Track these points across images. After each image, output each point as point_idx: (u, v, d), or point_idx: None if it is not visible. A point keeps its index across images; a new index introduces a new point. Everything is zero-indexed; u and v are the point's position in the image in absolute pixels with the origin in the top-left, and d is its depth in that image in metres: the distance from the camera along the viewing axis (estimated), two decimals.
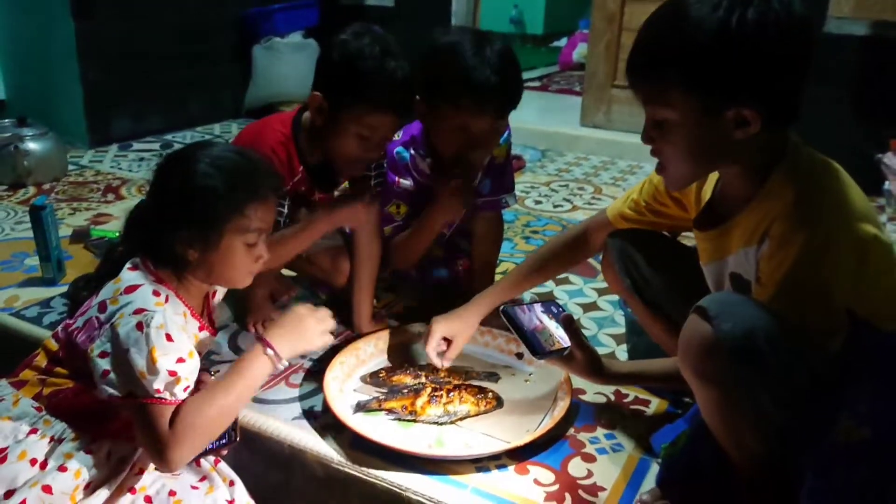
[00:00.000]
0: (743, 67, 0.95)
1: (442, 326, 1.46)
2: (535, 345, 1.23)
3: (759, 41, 0.94)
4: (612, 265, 1.38)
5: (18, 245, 2.05)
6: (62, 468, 1.06)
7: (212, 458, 1.22)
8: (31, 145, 2.57)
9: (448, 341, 1.47)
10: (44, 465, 1.06)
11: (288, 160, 1.46)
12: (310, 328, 1.17)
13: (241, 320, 1.65)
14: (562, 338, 1.24)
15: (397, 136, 1.66)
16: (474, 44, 1.43)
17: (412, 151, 1.62)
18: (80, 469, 1.07)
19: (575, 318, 1.71)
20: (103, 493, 1.09)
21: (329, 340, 1.20)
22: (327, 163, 1.50)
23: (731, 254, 1.10)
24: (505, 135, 1.64)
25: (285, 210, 1.46)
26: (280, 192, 1.23)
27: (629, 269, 1.35)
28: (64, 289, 1.81)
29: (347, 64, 1.37)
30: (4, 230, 2.19)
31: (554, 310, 1.32)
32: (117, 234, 2.12)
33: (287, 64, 3.58)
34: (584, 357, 1.22)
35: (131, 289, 1.09)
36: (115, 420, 1.13)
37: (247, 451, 1.33)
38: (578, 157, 3.29)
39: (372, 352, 1.53)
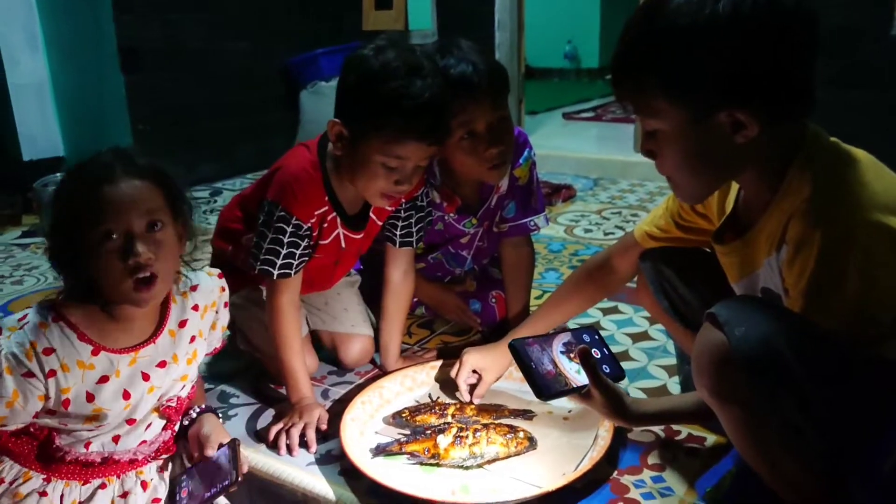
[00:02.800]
0: (722, 67, 0.84)
1: (473, 358, 1.39)
2: (541, 384, 1.10)
3: (736, 36, 0.83)
4: (647, 287, 1.24)
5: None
6: None
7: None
8: None
9: (479, 375, 1.38)
10: None
11: (313, 189, 1.32)
12: None
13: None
14: (579, 376, 1.11)
15: None
16: (441, 48, 1.35)
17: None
18: None
19: (622, 348, 1.60)
20: None
21: None
22: (356, 197, 1.36)
23: (760, 267, 0.95)
24: (526, 153, 1.53)
25: (299, 250, 1.32)
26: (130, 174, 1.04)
27: (666, 290, 1.22)
28: None
29: (367, 86, 1.21)
30: (48, 279, 2.20)
31: (586, 339, 1.19)
32: None
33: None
34: (602, 396, 1.09)
35: (22, 318, 1.03)
36: (66, 460, 1.07)
37: (260, 499, 1.24)
38: (633, 184, 3.14)
39: (398, 390, 1.42)
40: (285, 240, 1.30)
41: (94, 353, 1.06)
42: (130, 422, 1.11)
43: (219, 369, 1.58)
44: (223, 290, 1.25)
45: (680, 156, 0.92)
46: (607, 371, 1.14)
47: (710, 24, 0.83)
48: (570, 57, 6.86)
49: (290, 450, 1.26)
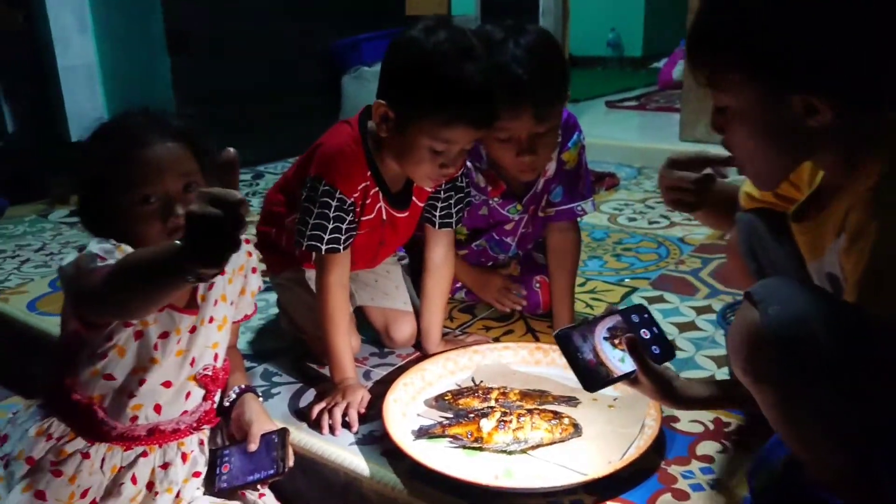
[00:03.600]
0: (803, 48, 0.81)
1: None
2: (587, 376, 1.06)
3: (821, 16, 0.79)
4: (738, 247, 1.18)
5: None
6: (57, 472, 1.03)
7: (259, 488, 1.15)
8: None
9: None
10: (32, 462, 1.04)
11: (356, 163, 1.31)
12: None
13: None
14: (622, 364, 1.07)
15: None
16: (497, 41, 1.29)
17: (468, 163, 1.49)
18: (75, 475, 1.04)
19: (672, 337, 1.56)
20: None
21: None
22: (399, 175, 1.35)
23: (825, 253, 0.92)
24: (574, 137, 1.50)
25: (345, 225, 1.31)
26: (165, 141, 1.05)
27: (756, 251, 1.16)
28: None
29: (417, 69, 1.19)
30: None
31: (635, 319, 1.15)
32: None
33: (375, 92, 3.58)
34: (651, 382, 1.05)
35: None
36: (112, 435, 1.09)
37: (301, 477, 1.24)
38: None
39: (440, 373, 1.41)
40: (331, 214, 1.30)
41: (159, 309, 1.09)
42: (166, 384, 1.12)
43: (261, 348, 1.59)
44: (250, 254, 1.27)
45: (749, 134, 0.89)
46: (657, 352, 1.10)
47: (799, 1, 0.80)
48: (614, 45, 6.74)
49: (332, 429, 1.26)
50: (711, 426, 1.24)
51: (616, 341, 1.12)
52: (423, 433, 1.22)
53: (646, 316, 1.17)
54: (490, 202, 1.55)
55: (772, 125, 0.87)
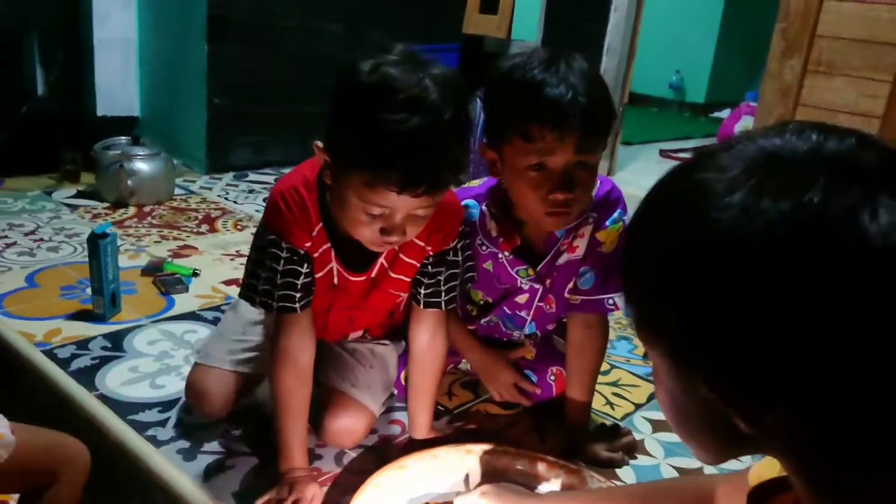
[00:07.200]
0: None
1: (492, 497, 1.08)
2: None
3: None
4: None
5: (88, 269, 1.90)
6: None
7: None
8: (139, 165, 2.49)
9: None
10: None
11: (302, 210, 1.10)
12: None
13: None
14: None
15: (475, 184, 1.32)
16: (544, 60, 1.11)
17: (483, 207, 1.27)
18: None
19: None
20: None
21: None
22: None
23: None
24: (615, 214, 1.25)
25: (300, 280, 1.12)
26: None
27: None
28: (112, 328, 1.63)
29: (349, 109, 0.97)
30: (83, 251, 2.07)
31: None
32: (192, 271, 1.95)
33: None
34: None
35: None
36: None
37: None
38: None
39: (424, 473, 1.19)
40: (280, 268, 1.11)
41: None
42: None
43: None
44: None
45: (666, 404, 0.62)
46: None
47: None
48: (676, 88, 6.48)
49: None
50: None
51: None
52: None
53: None
54: (499, 256, 1.32)
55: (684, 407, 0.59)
